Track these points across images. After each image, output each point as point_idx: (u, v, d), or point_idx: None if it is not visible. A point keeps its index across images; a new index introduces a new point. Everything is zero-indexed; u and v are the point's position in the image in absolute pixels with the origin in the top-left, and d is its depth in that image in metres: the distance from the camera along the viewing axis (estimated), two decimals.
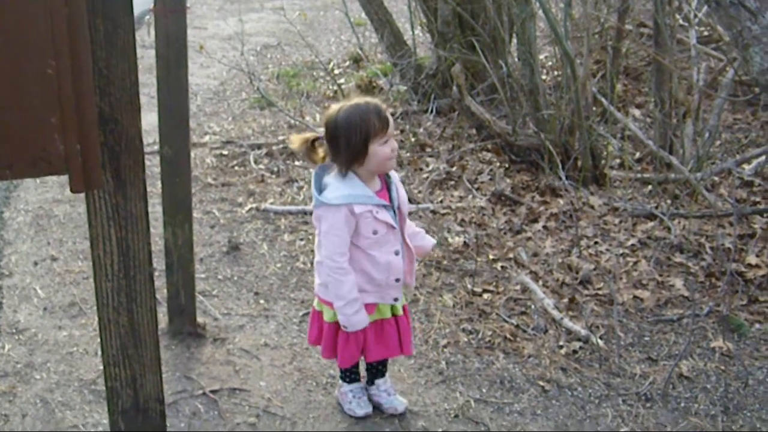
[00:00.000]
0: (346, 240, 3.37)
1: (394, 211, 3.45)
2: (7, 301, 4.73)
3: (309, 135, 3.57)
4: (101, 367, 4.01)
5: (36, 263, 5.17)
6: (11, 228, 5.71)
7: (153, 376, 2.27)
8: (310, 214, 5.79)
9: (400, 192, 3.52)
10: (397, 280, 3.50)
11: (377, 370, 3.83)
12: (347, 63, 10.23)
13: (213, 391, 3.97)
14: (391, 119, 3.36)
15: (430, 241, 3.77)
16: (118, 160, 2.03)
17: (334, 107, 3.41)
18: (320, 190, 3.39)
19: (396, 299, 3.56)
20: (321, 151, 3.50)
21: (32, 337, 4.38)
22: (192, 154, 5.24)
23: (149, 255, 2.15)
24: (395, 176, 3.55)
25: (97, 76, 1.95)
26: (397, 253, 3.47)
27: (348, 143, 3.31)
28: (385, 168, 3.40)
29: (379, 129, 3.30)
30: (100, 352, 4.15)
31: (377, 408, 3.82)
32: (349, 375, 3.80)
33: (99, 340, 4.25)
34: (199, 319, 4.48)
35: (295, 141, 3.61)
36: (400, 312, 3.63)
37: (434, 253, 5.27)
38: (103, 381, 3.93)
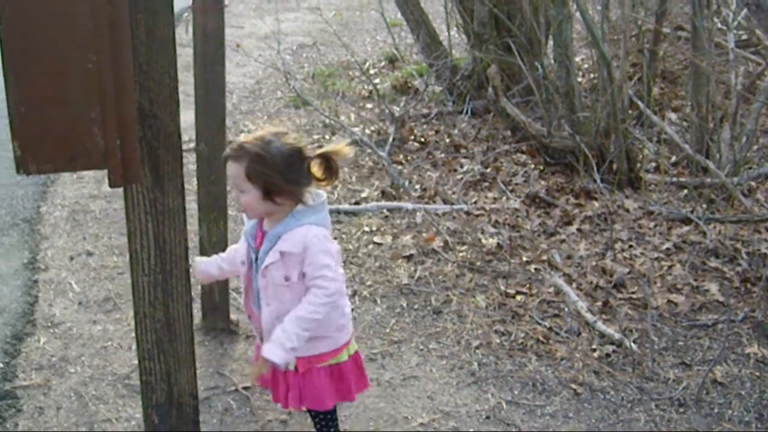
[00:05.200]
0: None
1: (256, 257, 3.09)
2: (43, 295, 4.77)
3: None
4: (135, 362, 4.06)
5: (72, 258, 5.21)
6: (48, 223, 5.76)
7: (187, 371, 2.29)
8: (345, 213, 5.82)
9: (272, 251, 2.98)
10: (249, 317, 3.26)
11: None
12: (383, 63, 10.23)
13: (245, 388, 3.98)
14: (228, 164, 2.99)
15: (267, 350, 2.94)
16: (157, 156, 2.05)
17: None
18: None
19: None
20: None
21: (67, 331, 4.42)
22: None
23: (186, 250, 2.17)
24: (288, 238, 2.97)
25: (137, 72, 1.96)
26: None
27: None
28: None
29: None
30: (134, 347, 4.19)
31: None
32: None
33: (133, 334, 4.28)
34: (232, 316, 4.50)
35: None
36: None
37: (468, 255, 5.25)
38: (137, 375, 3.97)
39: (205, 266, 3.39)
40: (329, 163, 3.03)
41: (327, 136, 7.53)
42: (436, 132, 7.43)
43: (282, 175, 2.91)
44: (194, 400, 2.33)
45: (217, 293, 4.38)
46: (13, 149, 1.89)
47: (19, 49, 1.83)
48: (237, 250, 3.25)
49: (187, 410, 2.32)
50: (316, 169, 3.02)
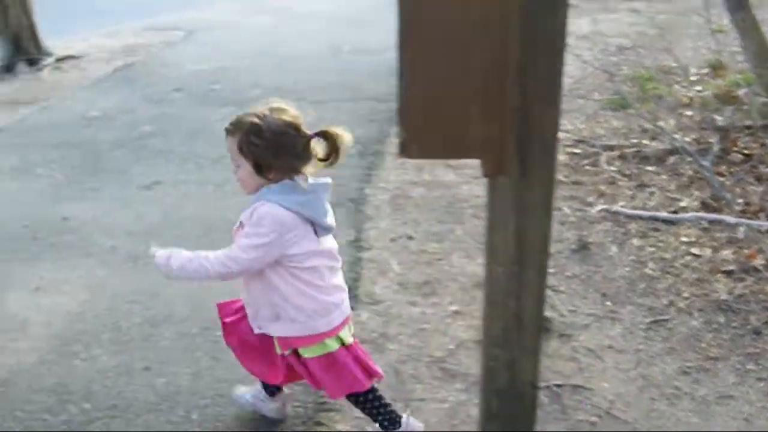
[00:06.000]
0: None
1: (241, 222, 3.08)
2: (366, 273, 5.00)
3: None
4: (450, 347, 4.20)
5: (393, 240, 5.42)
6: (372, 204, 6.02)
7: (531, 362, 2.34)
8: (662, 221, 5.71)
9: (245, 217, 3.03)
10: None
11: None
12: (704, 70, 9.90)
13: (557, 386, 4.01)
14: (226, 138, 3.02)
15: (160, 251, 3.11)
16: (527, 150, 2.10)
17: None
18: None
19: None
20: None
21: (387, 310, 4.61)
22: None
23: (546, 245, 2.21)
24: (249, 209, 3.03)
25: (519, 68, 2.02)
26: None
27: None
28: None
29: None
30: (449, 332, 4.34)
31: None
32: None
33: (448, 320, 4.43)
34: (546, 313, 4.52)
35: None
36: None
37: None
38: (453, 360, 4.11)
39: None
40: (329, 141, 3.00)
41: (645, 141, 7.40)
42: (762, 145, 7.12)
43: (273, 150, 2.92)
44: (534, 390, 2.38)
45: None
46: (399, 133, 2.00)
47: (415, 42, 1.94)
48: None
49: (526, 400, 2.37)
50: (316, 147, 3.00)
